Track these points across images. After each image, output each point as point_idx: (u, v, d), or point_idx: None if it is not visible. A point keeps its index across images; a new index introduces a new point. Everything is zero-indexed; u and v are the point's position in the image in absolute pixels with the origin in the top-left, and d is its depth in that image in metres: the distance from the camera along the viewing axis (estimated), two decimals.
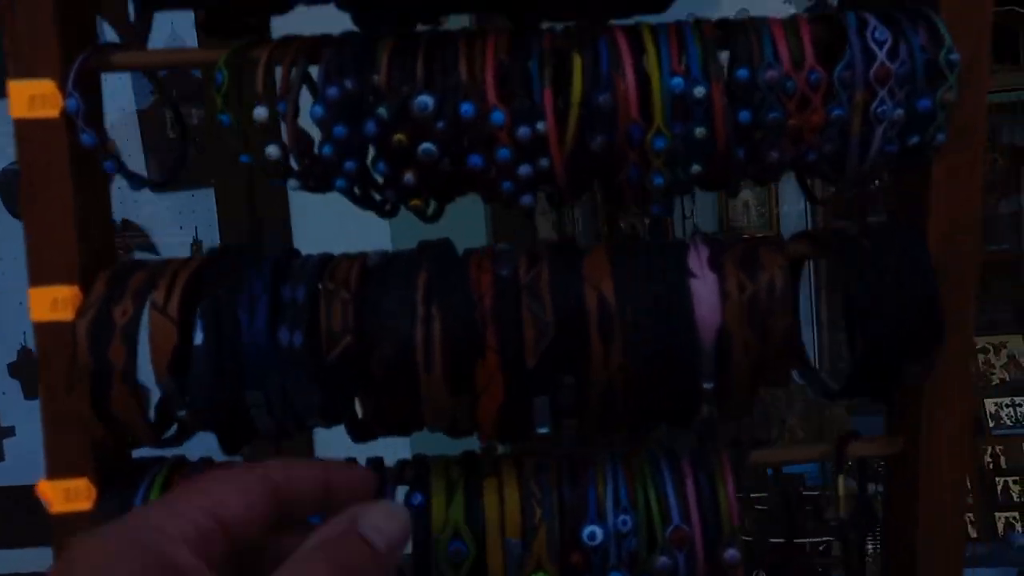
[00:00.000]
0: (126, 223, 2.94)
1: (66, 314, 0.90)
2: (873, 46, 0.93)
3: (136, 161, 2.91)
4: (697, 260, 0.98)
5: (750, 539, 2.91)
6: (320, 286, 0.93)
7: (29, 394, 2.62)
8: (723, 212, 4.13)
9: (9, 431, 2.62)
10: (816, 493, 3.47)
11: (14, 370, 2.60)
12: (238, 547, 0.59)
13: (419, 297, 0.90)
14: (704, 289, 0.97)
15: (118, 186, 3.06)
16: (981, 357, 3.64)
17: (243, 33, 0.89)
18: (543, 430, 0.97)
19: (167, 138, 2.84)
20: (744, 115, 0.94)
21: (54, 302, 0.91)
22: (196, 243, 2.97)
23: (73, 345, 0.86)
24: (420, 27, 0.93)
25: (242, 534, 0.59)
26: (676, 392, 0.96)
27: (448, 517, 0.97)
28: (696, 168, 0.97)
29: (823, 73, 0.94)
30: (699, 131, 0.94)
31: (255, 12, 0.88)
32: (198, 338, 0.91)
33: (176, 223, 2.94)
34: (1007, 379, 3.65)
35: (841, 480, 1.03)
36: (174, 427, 0.97)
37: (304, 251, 0.99)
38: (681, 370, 0.95)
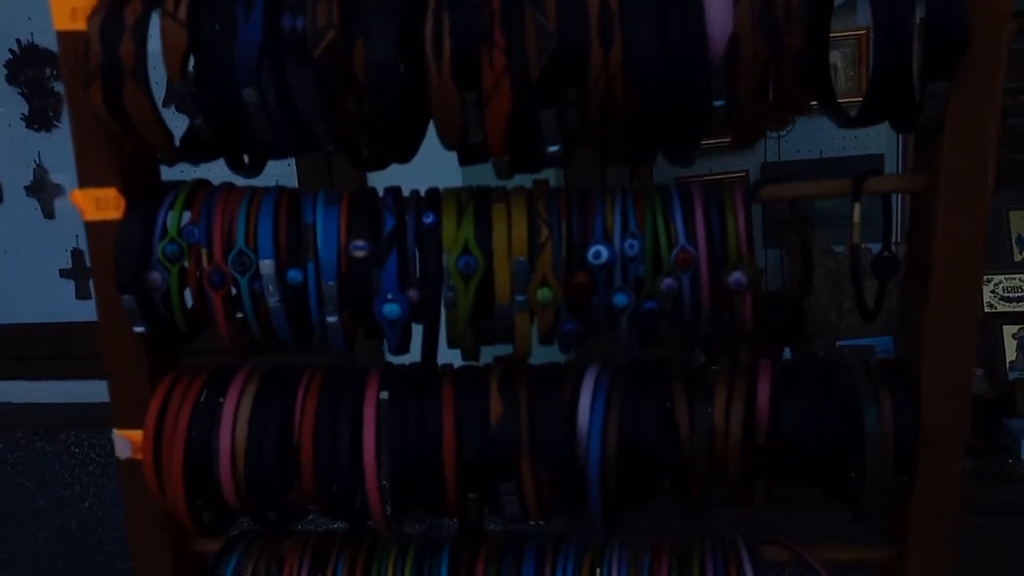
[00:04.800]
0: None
1: (84, 24, 0.94)
2: None
3: None
4: None
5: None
6: None
7: None
8: None
9: None
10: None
11: None
12: None
13: None
14: None
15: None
16: None
17: None
18: (553, 148, 0.97)
19: None
20: None
21: (73, 11, 0.94)
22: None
23: (86, 43, 0.89)
24: None
25: None
26: (681, 105, 0.94)
27: (459, 235, 0.99)
28: None
29: None
30: None
31: None
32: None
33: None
34: None
35: (857, 208, 1.01)
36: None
37: None
38: (685, 79, 0.93)
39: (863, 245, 1.03)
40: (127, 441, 1.02)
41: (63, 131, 2.81)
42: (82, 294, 2.85)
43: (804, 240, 1.12)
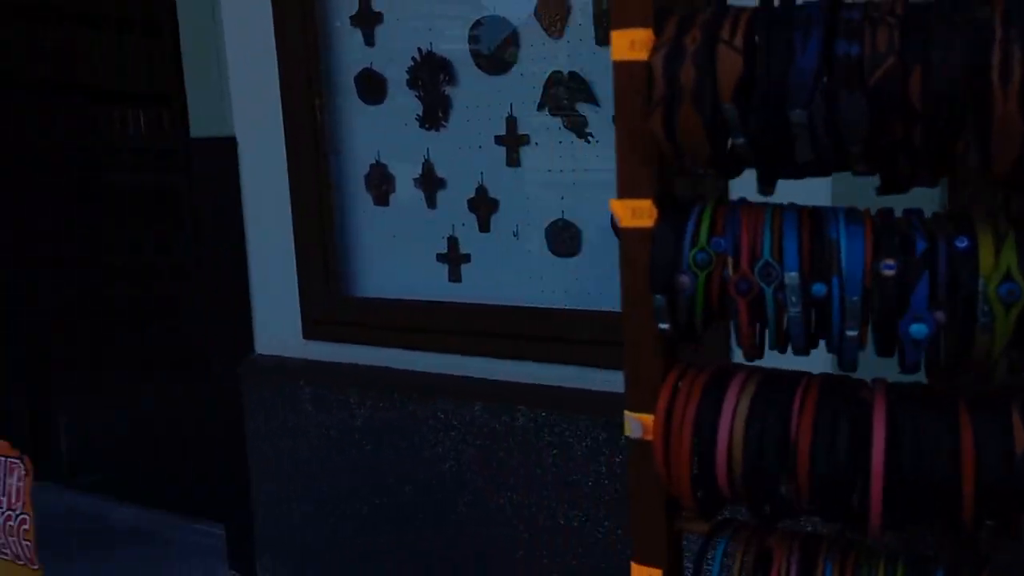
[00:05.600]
0: None
1: (642, 54, 1.03)
2: None
3: None
4: None
5: None
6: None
7: (483, 228, 2.98)
8: None
9: (466, 258, 3.03)
10: None
11: (472, 205, 2.97)
12: None
13: (997, 19, 0.90)
14: None
15: None
16: None
17: None
18: None
19: None
20: None
21: (632, 43, 1.04)
22: None
23: (650, 73, 0.98)
24: None
25: None
26: None
27: (1000, 261, 0.98)
28: None
29: None
30: None
31: None
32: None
33: None
34: None
35: None
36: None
37: None
38: None
39: None
40: (639, 423, 1.13)
41: (450, 131, 3.08)
42: (453, 277, 3.11)
43: None
